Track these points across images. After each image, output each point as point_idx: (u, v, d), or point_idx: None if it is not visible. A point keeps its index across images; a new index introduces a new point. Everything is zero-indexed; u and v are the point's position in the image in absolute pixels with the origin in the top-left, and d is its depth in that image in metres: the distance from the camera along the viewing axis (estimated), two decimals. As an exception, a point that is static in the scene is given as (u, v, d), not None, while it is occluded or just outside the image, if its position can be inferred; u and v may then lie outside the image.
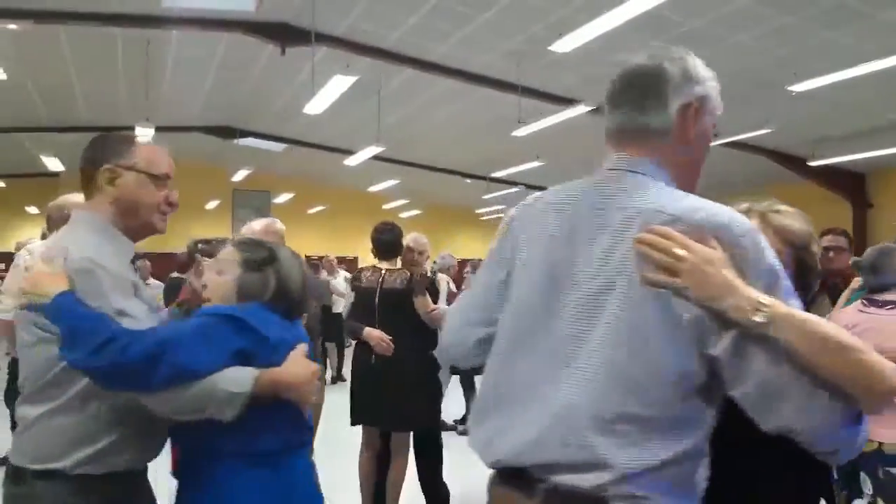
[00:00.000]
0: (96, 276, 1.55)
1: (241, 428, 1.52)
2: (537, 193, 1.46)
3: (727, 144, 11.19)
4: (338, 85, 8.39)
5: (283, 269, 1.75)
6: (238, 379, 1.51)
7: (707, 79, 1.37)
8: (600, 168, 1.37)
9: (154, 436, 1.66)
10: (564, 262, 1.28)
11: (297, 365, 1.62)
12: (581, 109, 9.31)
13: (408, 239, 3.99)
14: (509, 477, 1.28)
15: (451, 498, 4.12)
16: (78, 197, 3.24)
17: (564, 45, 7.00)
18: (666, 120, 1.32)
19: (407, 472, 3.97)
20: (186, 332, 1.52)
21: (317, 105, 9.24)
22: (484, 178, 16.96)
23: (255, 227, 3.21)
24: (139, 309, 1.61)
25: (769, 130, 10.56)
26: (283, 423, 1.62)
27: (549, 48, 7.33)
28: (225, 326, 1.56)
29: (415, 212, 20.51)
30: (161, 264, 10.96)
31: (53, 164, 14.61)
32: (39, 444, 1.55)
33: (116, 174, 1.69)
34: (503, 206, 20.27)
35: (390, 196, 19.26)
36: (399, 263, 3.91)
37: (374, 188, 17.79)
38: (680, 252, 1.12)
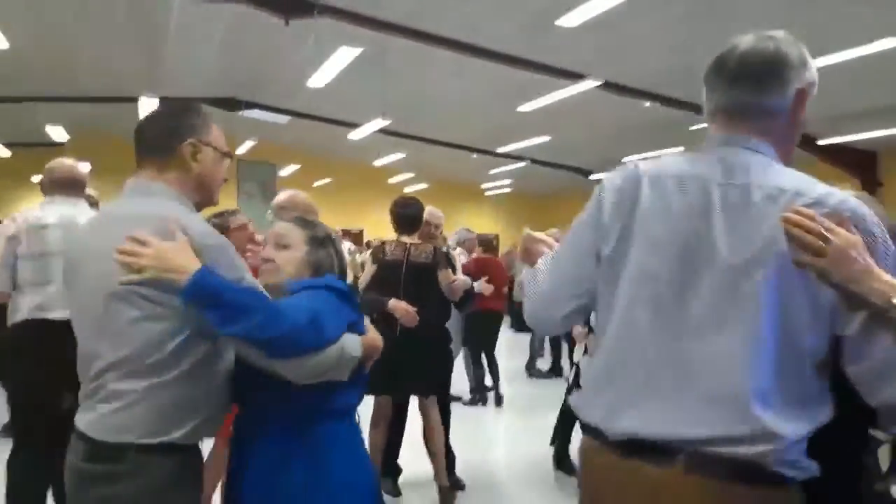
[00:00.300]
0: (228, 248, 1.61)
1: (345, 386, 1.73)
2: (633, 164, 1.46)
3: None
4: (342, 57, 8.32)
5: (337, 244, 1.96)
6: (354, 344, 1.70)
7: (813, 65, 1.43)
8: (710, 143, 1.42)
9: (228, 405, 1.75)
10: (699, 237, 1.31)
11: (374, 331, 1.88)
12: (588, 84, 9.22)
13: (424, 213, 4.08)
14: (636, 449, 1.31)
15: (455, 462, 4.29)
16: (72, 162, 3.25)
17: (572, 19, 6.91)
18: (784, 102, 1.38)
19: (407, 437, 4.17)
20: (321, 302, 1.66)
21: (321, 77, 9.17)
22: (490, 153, 16.87)
23: (281, 197, 3.25)
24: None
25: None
26: (362, 380, 1.84)
27: (556, 22, 7.22)
28: (338, 298, 1.74)
29: (421, 185, 20.45)
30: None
31: (58, 133, 14.60)
32: (149, 418, 1.52)
33: (198, 149, 1.71)
34: (509, 181, 20.22)
35: (396, 170, 19.19)
36: (417, 237, 3.98)
37: (379, 162, 17.74)
38: (827, 234, 1.17)
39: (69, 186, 3.17)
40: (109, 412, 1.53)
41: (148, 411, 1.52)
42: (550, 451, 4.82)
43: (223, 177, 1.80)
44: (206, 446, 2.23)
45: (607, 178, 1.48)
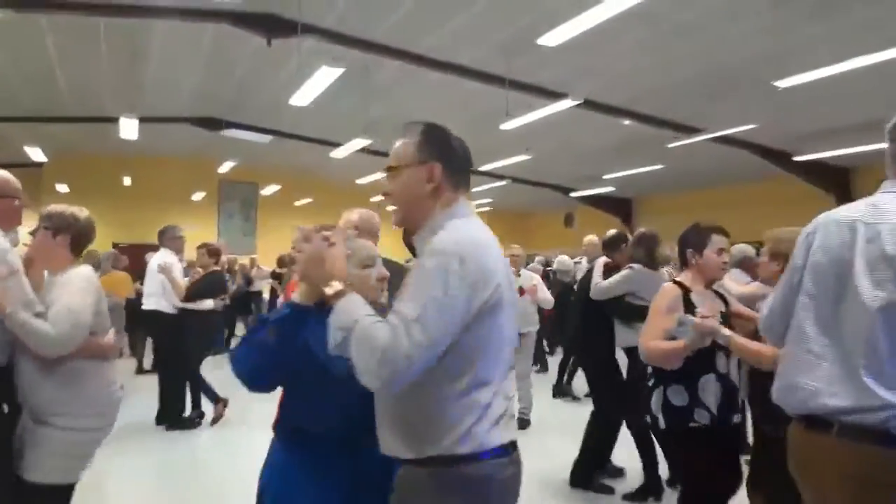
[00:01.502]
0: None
1: None
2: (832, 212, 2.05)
3: (714, 139, 11.24)
4: (324, 77, 8.33)
5: None
6: None
7: None
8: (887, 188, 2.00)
9: None
10: (846, 264, 1.87)
11: None
12: (569, 103, 9.31)
13: None
14: (810, 422, 1.90)
15: None
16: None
17: (552, 38, 6.98)
18: None
19: None
20: None
21: (303, 97, 9.17)
22: (471, 172, 16.91)
23: (353, 217, 3.22)
24: None
25: (756, 125, 10.61)
26: None
27: (537, 41, 7.31)
28: None
29: (402, 205, 20.45)
30: (134, 254, 10.98)
31: (37, 154, 14.45)
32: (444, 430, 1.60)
33: None
34: (489, 199, 20.29)
35: (378, 189, 19.15)
36: None
37: (361, 181, 17.73)
38: None
39: None
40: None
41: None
42: (555, 467, 4.81)
43: None
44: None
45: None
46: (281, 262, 11.66)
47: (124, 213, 17.56)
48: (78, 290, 2.58)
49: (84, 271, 2.70)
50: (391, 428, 1.63)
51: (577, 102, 9.36)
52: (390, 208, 1.78)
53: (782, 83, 8.17)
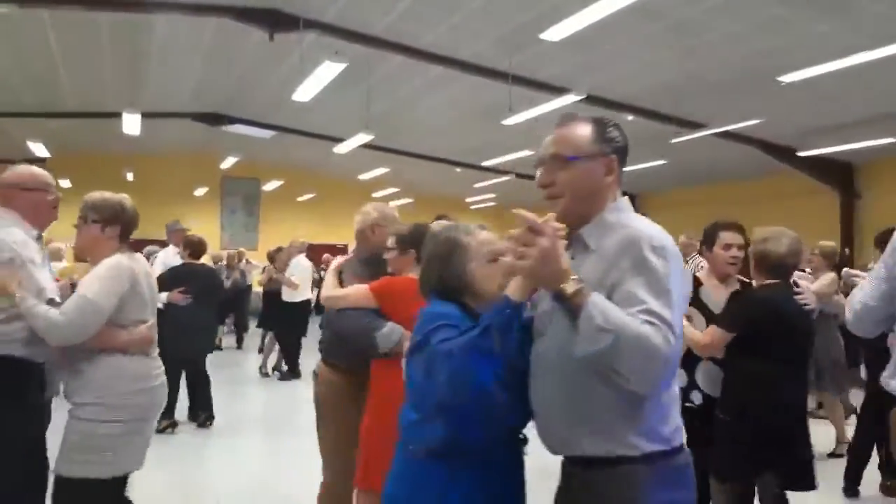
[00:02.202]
0: None
1: None
2: None
3: (717, 135, 11.21)
4: (327, 72, 8.32)
5: None
6: None
7: None
8: None
9: None
10: None
11: None
12: (572, 98, 9.28)
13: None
14: None
15: None
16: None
17: (555, 33, 6.96)
18: None
19: None
20: None
21: (305, 92, 9.17)
22: (474, 167, 16.91)
23: (374, 214, 3.24)
24: None
25: (759, 121, 10.57)
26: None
27: (540, 36, 7.28)
28: None
29: (405, 200, 20.44)
30: (137, 250, 10.84)
31: (40, 149, 14.47)
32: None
33: None
34: (494, 195, 20.27)
35: (380, 184, 19.19)
36: None
37: (363, 176, 17.72)
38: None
39: None
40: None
41: None
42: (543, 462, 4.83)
43: None
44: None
45: None
46: (271, 257, 10.28)
47: (127, 209, 17.57)
48: (98, 278, 2.53)
49: (112, 260, 2.60)
50: (603, 428, 1.55)
51: (580, 98, 9.34)
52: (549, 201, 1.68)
53: (786, 78, 8.14)
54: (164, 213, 10.67)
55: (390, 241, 2.93)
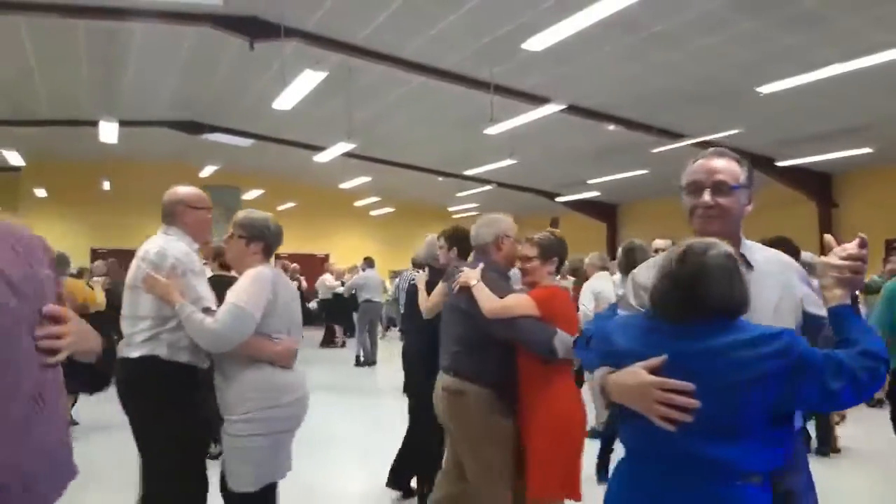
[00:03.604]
0: None
1: None
2: None
3: (696, 145, 11.30)
4: (307, 80, 8.27)
5: None
6: None
7: None
8: None
9: None
10: None
11: None
12: (553, 108, 9.31)
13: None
14: None
15: None
16: None
17: (536, 43, 6.98)
18: None
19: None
20: None
21: (286, 100, 9.10)
22: (456, 176, 16.91)
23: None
24: None
25: (737, 131, 10.68)
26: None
27: (521, 46, 7.30)
28: None
29: (387, 209, 20.40)
30: (124, 261, 10.66)
31: (14, 158, 14.26)
32: None
33: None
34: (476, 203, 20.29)
35: (362, 193, 19.13)
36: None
37: (345, 185, 17.66)
38: None
39: None
40: None
41: None
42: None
43: None
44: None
45: None
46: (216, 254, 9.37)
47: (103, 219, 17.35)
48: (244, 287, 2.65)
49: (256, 271, 2.73)
50: None
51: (561, 107, 9.37)
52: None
53: (764, 89, 8.23)
54: (141, 223, 10.51)
55: (530, 251, 2.99)
